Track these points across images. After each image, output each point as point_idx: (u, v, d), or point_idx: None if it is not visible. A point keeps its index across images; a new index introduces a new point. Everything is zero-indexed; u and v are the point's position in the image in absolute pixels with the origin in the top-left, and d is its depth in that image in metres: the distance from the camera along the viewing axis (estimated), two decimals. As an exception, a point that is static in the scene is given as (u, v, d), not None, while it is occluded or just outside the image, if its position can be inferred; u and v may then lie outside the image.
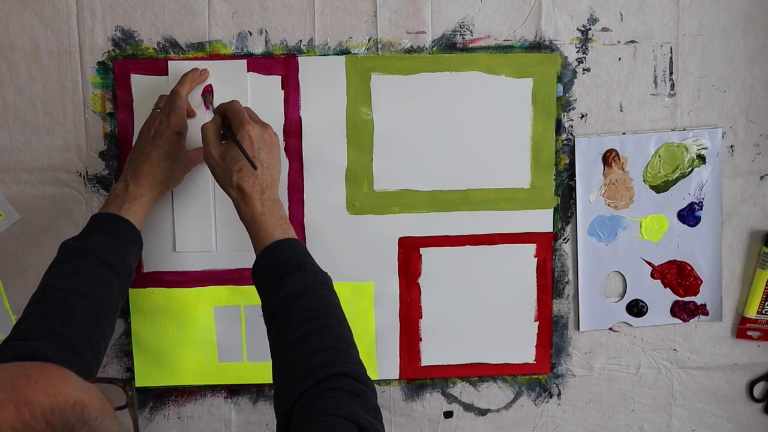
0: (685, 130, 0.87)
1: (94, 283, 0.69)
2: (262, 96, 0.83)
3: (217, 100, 0.82)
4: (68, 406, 0.37)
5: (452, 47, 0.84)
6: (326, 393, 0.60)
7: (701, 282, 0.90)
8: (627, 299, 0.90)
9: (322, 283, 0.71)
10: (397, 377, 0.90)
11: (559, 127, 0.86)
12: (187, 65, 0.81)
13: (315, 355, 0.64)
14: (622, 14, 0.84)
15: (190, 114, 0.81)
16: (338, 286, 0.86)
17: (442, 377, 0.90)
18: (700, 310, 0.90)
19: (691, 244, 0.89)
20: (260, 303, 0.72)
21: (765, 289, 0.89)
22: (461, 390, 0.91)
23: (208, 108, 0.82)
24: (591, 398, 0.92)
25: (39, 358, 0.58)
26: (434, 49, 0.84)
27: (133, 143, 0.80)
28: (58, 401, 0.37)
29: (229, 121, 0.75)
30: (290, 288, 0.68)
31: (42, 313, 0.65)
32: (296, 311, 0.67)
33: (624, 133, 0.86)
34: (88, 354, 0.65)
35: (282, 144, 0.83)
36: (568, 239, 0.88)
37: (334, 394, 0.60)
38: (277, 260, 0.71)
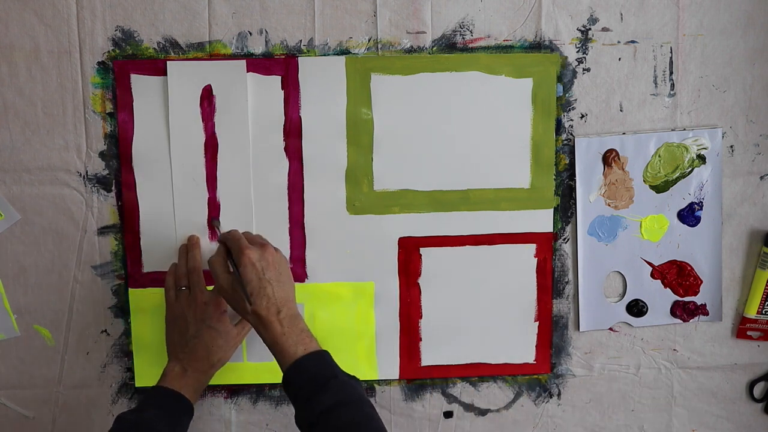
0: (685, 130, 0.87)
1: None
2: (262, 96, 0.83)
3: (217, 100, 0.83)
4: None
5: (452, 47, 0.84)
6: None
7: (701, 282, 0.90)
8: (627, 299, 0.90)
9: (356, 396, 0.71)
10: (397, 377, 0.90)
11: (559, 127, 0.86)
12: (187, 65, 0.81)
13: None
14: (622, 14, 0.84)
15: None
16: (338, 286, 0.87)
17: (442, 377, 0.90)
18: (700, 310, 0.90)
19: (691, 244, 0.89)
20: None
21: (765, 289, 0.89)
22: (461, 390, 0.91)
23: (213, 239, 0.84)
24: (591, 398, 0.92)
25: None
26: (434, 49, 0.84)
27: (166, 321, 0.83)
28: None
29: (231, 251, 0.75)
30: (324, 404, 0.68)
31: None
32: (333, 428, 0.67)
33: (624, 133, 0.86)
34: None
35: (287, 257, 0.84)
36: (568, 239, 0.88)
37: None
38: (304, 377, 0.70)
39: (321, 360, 0.72)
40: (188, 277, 0.82)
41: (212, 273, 0.76)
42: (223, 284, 0.74)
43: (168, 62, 0.81)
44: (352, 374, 0.73)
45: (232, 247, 0.75)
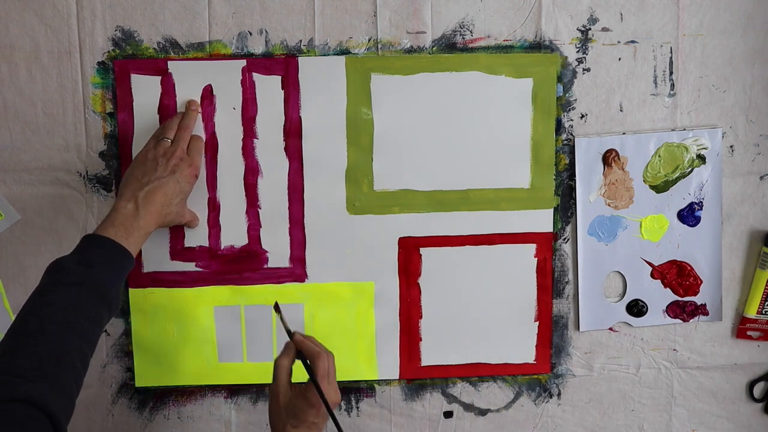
0: (685, 130, 0.87)
1: (91, 321, 0.66)
2: (262, 96, 0.83)
3: (218, 101, 0.83)
4: None
5: (452, 47, 0.84)
6: None
7: (701, 282, 0.90)
8: (627, 299, 0.90)
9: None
10: (397, 377, 0.90)
11: (559, 127, 0.86)
12: (187, 65, 0.81)
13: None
14: (622, 14, 0.84)
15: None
16: (338, 286, 0.87)
17: (442, 377, 0.90)
18: (700, 310, 0.90)
19: (691, 244, 0.89)
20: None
21: (765, 289, 0.89)
22: (461, 390, 0.91)
23: (290, 334, 0.72)
24: (591, 398, 0.92)
25: (38, 403, 0.56)
26: (434, 49, 0.84)
27: (135, 159, 0.78)
28: None
29: (312, 368, 0.69)
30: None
31: (39, 350, 0.61)
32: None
33: (624, 133, 0.86)
34: (74, 393, 0.62)
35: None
36: (568, 239, 0.88)
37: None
38: None
39: None
40: (177, 132, 0.79)
41: (276, 375, 0.70)
42: (280, 396, 0.69)
43: (169, 62, 0.81)
44: None
45: (316, 367, 0.69)
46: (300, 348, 0.71)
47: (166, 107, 0.83)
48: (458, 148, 0.85)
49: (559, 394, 0.92)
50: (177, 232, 0.85)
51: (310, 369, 0.69)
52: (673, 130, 0.87)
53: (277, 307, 0.72)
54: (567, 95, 0.85)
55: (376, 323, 0.88)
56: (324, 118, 0.84)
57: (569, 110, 0.86)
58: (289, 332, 0.71)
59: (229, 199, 0.85)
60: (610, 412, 0.92)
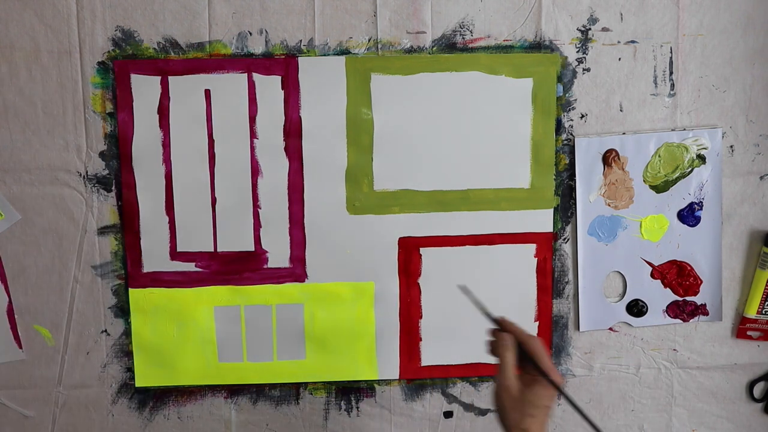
0: (685, 130, 0.87)
1: None
2: (262, 96, 0.83)
3: (217, 101, 0.83)
4: None
5: (452, 47, 0.84)
6: None
7: (701, 282, 0.90)
8: (627, 299, 0.90)
9: None
10: (397, 377, 0.90)
11: (559, 127, 0.86)
12: (187, 65, 0.81)
13: None
14: (622, 14, 0.84)
15: None
16: (338, 286, 0.87)
17: (442, 377, 0.90)
18: (700, 310, 0.90)
19: (691, 244, 0.89)
20: None
21: (765, 289, 0.89)
22: (461, 390, 0.91)
23: (494, 319, 0.71)
24: (591, 398, 0.92)
25: None
26: (434, 49, 0.84)
27: None
28: None
29: (532, 358, 0.67)
30: None
31: None
32: None
33: (624, 133, 0.86)
34: None
35: None
36: (568, 239, 0.88)
37: None
38: None
39: None
40: None
41: (502, 364, 0.67)
42: (511, 386, 0.66)
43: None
44: None
45: (537, 358, 0.66)
46: (514, 333, 0.69)
47: (166, 107, 0.83)
48: (458, 148, 0.85)
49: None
50: (177, 232, 0.85)
51: (525, 354, 0.67)
52: (673, 130, 0.87)
53: (465, 289, 0.70)
54: (567, 95, 0.85)
55: (376, 323, 0.88)
56: (324, 118, 0.84)
57: (569, 110, 0.86)
58: (491, 317, 0.70)
59: (229, 199, 0.85)
60: (610, 412, 0.92)
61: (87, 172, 0.84)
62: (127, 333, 0.87)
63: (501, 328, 0.70)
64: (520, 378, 0.67)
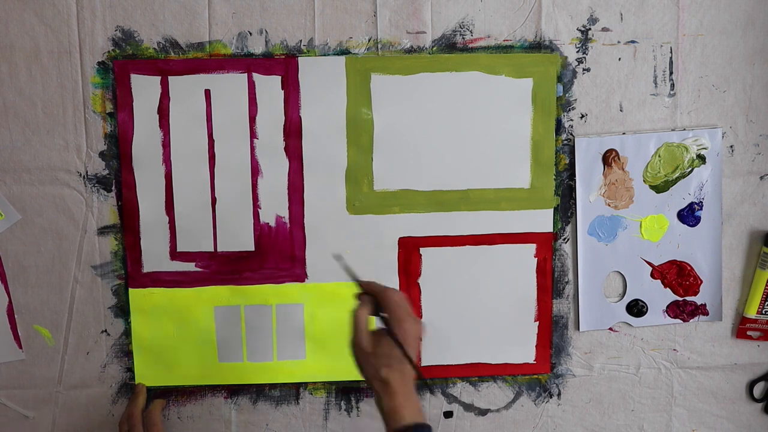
0: (685, 130, 0.87)
1: None
2: (262, 96, 0.83)
3: (217, 102, 0.83)
4: None
5: (452, 47, 0.84)
6: None
7: (701, 282, 0.90)
8: (627, 299, 0.90)
9: None
10: (397, 377, 0.90)
11: (559, 127, 0.86)
12: (187, 66, 0.81)
13: None
14: (622, 14, 0.84)
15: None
16: (338, 286, 0.87)
17: (442, 377, 0.90)
18: (700, 310, 0.90)
19: (691, 244, 0.89)
20: None
21: (765, 289, 0.89)
22: (461, 390, 0.91)
23: (357, 281, 0.75)
24: (591, 398, 0.92)
25: None
26: (434, 49, 0.84)
27: None
28: None
29: (385, 312, 0.72)
30: None
31: None
32: None
33: (624, 133, 0.86)
34: None
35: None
36: (568, 239, 0.88)
37: None
38: None
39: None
40: (127, 420, 0.82)
41: (355, 326, 0.72)
42: (363, 342, 0.71)
43: (169, 62, 0.81)
44: None
45: (391, 312, 0.71)
46: (367, 289, 0.74)
47: (166, 107, 0.83)
48: (458, 148, 0.85)
49: (559, 394, 0.92)
50: (177, 232, 0.85)
51: (384, 321, 0.71)
52: (673, 130, 0.87)
53: (338, 257, 0.74)
54: (567, 95, 0.85)
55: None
56: (324, 118, 0.84)
57: (569, 110, 0.86)
58: (355, 279, 0.74)
59: (229, 199, 0.85)
60: (610, 412, 0.92)
61: (87, 172, 0.84)
62: (127, 333, 0.87)
63: (365, 291, 0.74)
64: (373, 333, 0.72)
